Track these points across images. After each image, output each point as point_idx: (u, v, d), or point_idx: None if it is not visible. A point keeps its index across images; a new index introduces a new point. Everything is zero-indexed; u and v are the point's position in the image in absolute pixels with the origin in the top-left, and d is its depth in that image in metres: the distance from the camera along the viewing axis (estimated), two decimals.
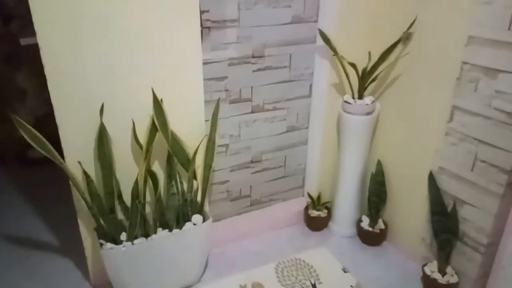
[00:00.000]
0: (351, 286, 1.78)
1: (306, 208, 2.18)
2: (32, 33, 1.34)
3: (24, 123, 1.33)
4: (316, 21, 1.87)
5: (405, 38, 1.71)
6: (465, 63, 1.50)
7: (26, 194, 2.47)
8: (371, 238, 2.05)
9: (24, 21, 2.52)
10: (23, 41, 2.09)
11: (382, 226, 2.04)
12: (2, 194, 2.46)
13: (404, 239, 1.97)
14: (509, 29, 1.34)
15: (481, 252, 1.61)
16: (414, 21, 1.66)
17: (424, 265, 1.76)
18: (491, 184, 1.51)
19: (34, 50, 1.35)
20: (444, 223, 1.67)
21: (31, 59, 2.61)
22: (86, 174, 1.50)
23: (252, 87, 1.88)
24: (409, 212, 1.91)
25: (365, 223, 2.06)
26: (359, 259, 1.98)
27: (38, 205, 2.36)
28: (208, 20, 1.66)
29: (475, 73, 1.47)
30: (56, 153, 1.40)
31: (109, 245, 1.54)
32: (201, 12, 1.62)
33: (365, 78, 1.80)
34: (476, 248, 1.62)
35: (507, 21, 1.34)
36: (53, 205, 2.35)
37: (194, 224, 1.70)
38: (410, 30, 1.69)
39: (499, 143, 1.45)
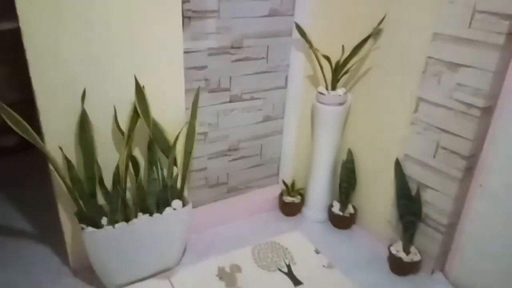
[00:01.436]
0: (323, 265, 1.89)
1: (281, 195, 2.27)
2: (2, 19, 1.34)
3: (8, 108, 1.34)
4: (292, 15, 1.95)
5: (376, 33, 1.82)
6: (430, 57, 1.62)
7: (0, 182, 2.43)
8: (342, 222, 2.17)
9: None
10: None
11: (352, 211, 2.17)
12: None
13: (372, 222, 2.10)
14: (469, 26, 1.47)
15: (442, 232, 1.75)
16: (384, 17, 1.77)
17: (390, 245, 1.90)
18: (451, 170, 1.65)
19: (3, 37, 1.34)
20: (409, 206, 1.81)
21: (1, 45, 2.55)
22: (67, 159, 1.51)
23: (230, 77, 1.94)
24: (377, 197, 2.04)
25: (336, 208, 2.18)
26: (331, 241, 2.09)
27: (13, 193, 2.33)
28: (189, 10, 1.70)
29: (439, 67, 1.60)
30: (37, 138, 1.41)
31: (90, 229, 1.57)
32: (182, 1, 1.65)
33: (338, 70, 1.90)
34: (437, 229, 1.77)
35: (468, 19, 1.47)
36: (27, 192, 2.33)
37: (174, 209, 1.75)
38: (380, 26, 1.79)
39: (459, 131, 1.58)
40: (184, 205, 1.77)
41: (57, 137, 1.52)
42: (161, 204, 1.74)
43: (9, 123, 1.34)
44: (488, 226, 1.63)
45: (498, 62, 1.41)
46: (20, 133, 1.37)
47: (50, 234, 1.97)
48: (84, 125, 1.53)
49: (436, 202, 1.74)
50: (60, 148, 1.53)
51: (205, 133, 1.99)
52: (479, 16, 1.43)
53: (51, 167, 1.52)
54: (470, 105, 1.52)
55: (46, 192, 1.68)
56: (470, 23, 1.46)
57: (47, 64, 1.41)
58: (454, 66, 1.54)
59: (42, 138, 1.48)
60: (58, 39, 1.40)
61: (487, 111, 1.51)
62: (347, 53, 1.88)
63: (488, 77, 1.44)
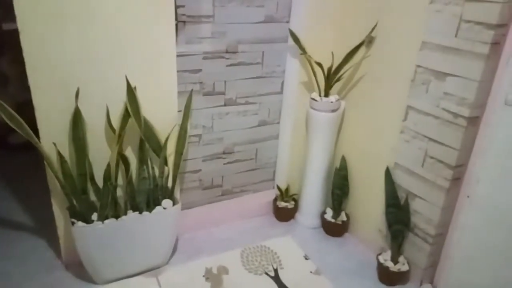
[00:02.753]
0: (311, 271, 1.89)
1: (275, 200, 2.28)
2: (14, 19, 1.42)
3: (3, 103, 1.41)
4: (288, 22, 1.98)
5: (368, 41, 1.84)
6: (418, 66, 1.63)
7: (4, 177, 2.52)
8: (334, 229, 2.17)
9: (7, 8, 2.57)
10: (6, 26, 2.15)
11: (344, 218, 2.16)
12: None
13: (364, 231, 2.10)
14: (456, 36, 1.47)
15: (430, 242, 1.73)
16: (375, 26, 1.79)
17: (379, 254, 1.89)
18: (439, 179, 1.64)
19: (17, 36, 1.42)
20: (397, 215, 1.80)
21: (14, 45, 2.66)
22: (60, 155, 1.58)
23: (225, 81, 1.98)
24: (369, 205, 2.04)
25: (329, 215, 2.18)
26: (321, 248, 2.09)
27: (16, 189, 2.42)
28: (183, 14, 1.75)
29: (427, 75, 1.60)
30: (32, 133, 1.48)
31: (80, 223, 1.62)
32: (177, 6, 1.71)
33: (331, 77, 1.91)
34: (425, 239, 1.75)
35: (454, 28, 1.47)
36: (29, 188, 2.41)
37: (164, 208, 1.78)
38: (372, 34, 1.81)
39: (446, 140, 1.58)
40: (174, 204, 1.81)
41: (52, 134, 1.59)
42: (152, 203, 1.78)
43: (4, 117, 1.41)
44: (476, 238, 1.60)
45: (483, 71, 1.41)
46: (14, 127, 1.44)
47: (46, 229, 2.04)
48: (77, 123, 1.59)
49: (424, 211, 1.73)
50: (54, 144, 1.59)
51: (199, 135, 2.03)
52: (465, 25, 1.43)
53: (45, 163, 1.58)
54: (456, 115, 1.52)
55: (44, 188, 1.75)
56: (457, 33, 1.46)
57: (43, 64, 1.48)
58: (441, 75, 1.54)
59: (37, 134, 1.55)
60: (54, 39, 1.47)
61: (474, 121, 1.51)
62: (339, 61, 1.90)
63: (473, 86, 1.44)
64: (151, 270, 1.85)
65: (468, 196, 1.60)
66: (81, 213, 1.66)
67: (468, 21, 1.42)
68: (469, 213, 1.61)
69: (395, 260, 1.83)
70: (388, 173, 1.83)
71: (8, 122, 1.44)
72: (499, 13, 1.34)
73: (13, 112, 1.44)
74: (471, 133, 1.53)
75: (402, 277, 1.82)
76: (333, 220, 2.15)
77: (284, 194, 2.26)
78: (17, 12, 1.39)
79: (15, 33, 1.71)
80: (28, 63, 1.46)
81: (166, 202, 1.80)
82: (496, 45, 1.39)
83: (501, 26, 1.36)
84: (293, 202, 2.28)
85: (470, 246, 1.63)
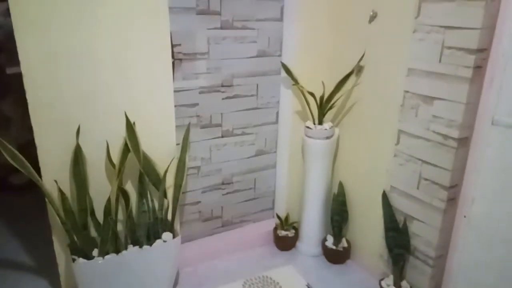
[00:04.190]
0: None
1: (275, 229, 2.29)
2: (18, 62, 1.49)
3: (5, 143, 1.45)
4: (280, 55, 2.07)
5: (357, 70, 1.91)
6: (406, 91, 1.69)
7: (5, 217, 2.53)
8: (335, 257, 2.16)
9: (11, 54, 2.68)
10: (9, 70, 2.23)
11: (345, 245, 2.16)
12: None
13: (365, 256, 2.09)
14: (440, 61, 1.54)
15: (431, 265, 1.73)
16: (363, 55, 1.87)
17: (381, 279, 1.88)
18: (434, 200, 1.66)
19: (19, 80, 1.48)
20: (397, 239, 1.80)
21: (17, 88, 2.75)
22: (61, 192, 1.60)
23: (222, 113, 2.04)
24: (368, 230, 2.04)
25: (330, 242, 2.18)
26: (324, 276, 2.08)
27: (16, 229, 2.42)
28: (180, 52, 1.83)
29: (415, 100, 1.66)
30: (33, 172, 1.51)
31: (81, 260, 1.63)
32: (174, 45, 1.80)
33: (323, 105, 1.98)
34: (426, 262, 1.75)
35: (437, 54, 1.54)
36: (31, 228, 2.42)
37: (164, 241, 1.79)
38: (361, 63, 1.89)
39: (438, 162, 1.61)
40: (174, 237, 1.81)
41: (53, 171, 1.62)
42: (152, 236, 1.79)
43: (6, 157, 1.45)
44: (476, 258, 1.61)
45: (468, 94, 1.47)
46: (17, 166, 1.48)
47: (47, 268, 2.03)
48: (78, 159, 1.63)
49: (423, 234, 1.74)
50: (55, 181, 1.62)
51: (198, 167, 2.07)
52: (448, 51, 1.50)
53: (47, 200, 1.61)
54: (446, 136, 1.56)
55: (45, 226, 1.77)
56: (440, 58, 1.53)
57: (45, 104, 1.54)
58: (429, 99, 1.60)
59: (39, 173, 1.58)
60: (56, 81, 1.53)
61: (464, 142, 1.55)
62: (330, 89, 1.96)
63: (460, 108, 1.49)
64: None
65: (464, 216, 1.61)
66: (82, 249, 1.66)
67: (450, 47, 1.49)
68: (467, 233, 1.62)
69: (397, 285, 1.82)
70: (385, 197, 1.85)
71: (11, 161, 1.48)
72: (479, 39, 1.41)
73: (15, 151, 1.48)
74: (462, 153, 1.57)
75: None
76: (334, 247, 2.15)
77: (284, 222, 2.27)
78: (20, 57, 1.46)
79: (18, 77, 1.79)
80: (30, 104, 1.52)
81: (166, 235, 1.81)
82: (479, 68, 1.45)
83: (482, 51, 1.43)
84: (293, 231, 2.28)
85: (471, 267, 1.63)
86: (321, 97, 1.96)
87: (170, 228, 1.84)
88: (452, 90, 1.51)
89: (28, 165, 1.50)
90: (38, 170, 1.57)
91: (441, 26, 1.51)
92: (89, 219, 1.68)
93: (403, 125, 1.73)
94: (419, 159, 1.69)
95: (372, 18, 1.81)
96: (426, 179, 1.67)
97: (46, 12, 1.45)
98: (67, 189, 1.65)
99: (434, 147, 1.62)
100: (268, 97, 2.13)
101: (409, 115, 1.69)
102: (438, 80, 1.55)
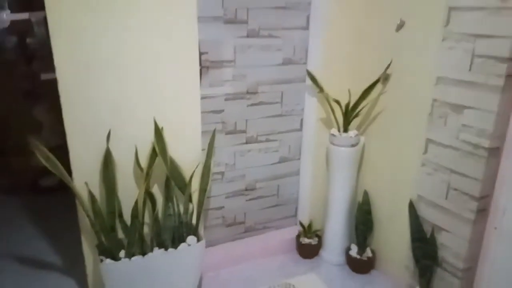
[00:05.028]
0: None
1: (298, 236, 2.28)
2: (51, 69, 1.55)
3: (40, 145, 1.51)
4: (305, 63, 2.08)
5: (384, 78, 1.90)
6: (435, 100, 1.67)
7: (36, 219, 2.62)
8: (359, 266, 2.13)
9: (45, 61, 2.79)
10: (44, 76, 2.32)
11: (370, 254, 2.13)
12: (15, 218, 2.62)
13: (390, 267, 2.05)
14: (469, 70, 1.52)
15: (459, 277, 1.69)
16: (390, 63, 1.85)
17: None
18: (464, 211, 1.62)
19: (52, 86, 1.54)
20: (424, 249, 1.77)
21: (49, 94, 2.86)
22: (91, 194, 1.65)
23: (246, 120, 2.06)
24: (394, 240, 2.01)
25: (354, 251, 2.15)
26: (348, 286, 2.05)
27: (47, 229, 2.50)
28: (207, 60, 1.87)
29: (444, 109, 1.63)
30: (65, 173, 1.57)
31: (108, 260, 1.67)
32: (201, 53, 1.83)
33: (349, 113, 1.97)
34: (454, 273, 1.70)
35: (468, 63, 1.52)
36: (60, 229, 2.49)
37: (189, 245, 1.81)
38: (388, 72, 1.87)
39: (468, 172, 1.58)
40: (198, 241, 1.83)
41: (84, 174, 1.68)
42: (177, 240, 1.81)
43: (40, 158, 1.51)
44: (507, 271, 1.56)
45: (499, 103, 1.43)
46: (50, 168, 1.54)
47: (74, 268, 2.08)
48: (107, 163, 1.67)
49: (451, 245, 1.70)
50: (86, 184, 1.67)
51: (222, 173, 2.09)
52: (478, 60, 1.48)
53: (77, 202, 1.66)
54: (476, 146, 1.53)
55: (74, 227, 1.82)
56: (471, 67, 1.51)
57: (77, 109, 1.60)
58: (459, 107, 1.57)
59: (71, 175, 1.64)
60: (89, 87, 1.59)
61: (495, 152, 1.51)
62: (356, 97, 1.96)
63: (491, 118, 1.46)
64: None
65: (495, 228, 1.57)
66: (109, 250, 1.70)
67: (481, 56, 1.47)
68: (498, 245, 1.58)
69: None
70: (412, 207, 1.82)
71: (44, 163, 1.53)
72: (511, 48, 1.38)
73: (49, 153, 1.54)
74: (493, 163, 1.53)
75: None
76: (358, 257, 2.12)
77: (307, 230, 2.26)
78: (56, 63, 1.52)
79: (50, 83, 1.86)
80: (64, 109, 1.58)
81: (191, 239, 1.83)
82: (511, 77, 1.42)
83: None
84: (316, 238, 2.27)
85: (502, 280, 1.58)
86: (347, 105, 1.96)
87: (195, 232, 1.86)
88: (483, 99, 1.48)
89: (61, 167, 1.56)
90: (68, 173, 1.62)
91: (472, 35, 1.49)
92: (117, 221, 1.72)
93: (431, 134, 1.70)
94: (448, 169, 1.65)
95: (400, 26, 1.80)
96: (455, 189, 1.64)
97: (80, 22, 1.51)
98: (96, 192, 1.70)
99: (464, 156, 1.58)
100: (293, 105, 2.14)
101: (438, 124, 1.67)
102: (468, 88, 1.53)
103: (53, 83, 1.56)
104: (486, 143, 1.49)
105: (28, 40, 2.76)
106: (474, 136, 1.53)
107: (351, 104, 1.96)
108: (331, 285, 2.03)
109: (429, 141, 1.72)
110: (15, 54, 2.78)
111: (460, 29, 1.53)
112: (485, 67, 1.46)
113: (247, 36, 1.92)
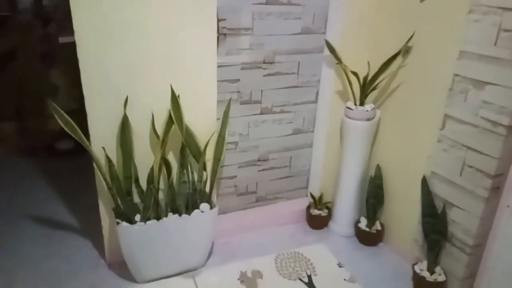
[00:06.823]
0: (345, 279, 1.90)
1: (308, 207, 2.31)
2: (69, 33, 1.54)
3: (59, 109, 1.53)
4: (324, 33, 2.04)
5: (404, 51, 1.86)
6: (456, 75, 1.63)
7: (52, 181, 2.69)
8: (368, 238, 2.17)
9: (60, 24, 2.78)
10: (61, 39, 2.32)
11: (379, 227, 2.16)
12: (31, 180, 2.69)
13: (399, 240, 2.08)
14: (495, 44, 1.47)
15: (467, 253, 1.71)
16: (412, 35, 1.81)
17: (414, 264, 1.87)
18: (478, 188, 1.62)
19: (68, 49, 1.54)
20: (434, 225, 1.78)
21: (65, 58, 2.86)
22: (108, 159, 1.68)
23: (262, 90, 2.04)
24: (404, 214, 2.03)
25: (363, 224, 2.18)
26: (355, 256, 2.09)
27: (63, 191, 2.57)
28: (224, 27, 1.84)
29: (465, 84, 1.60)
30: (84, 137, 1.59)
31: (124, 223, 1.72)
32: (219, 20, 1.80)
33: (366, 86, 1.94)
34: (462, 249, 1.73)
35: (493, 37, 1.47)
36: (76, 191, 2.56)
37: (202, 212, 1.86)
38: (409, 44, 1.83)
39: (485, 149, 1.57)
40: (211, 208, 1.87)
41: (101, 139, 1.70)
42: (190, 206, 1.86)
43: (60, 122, 1.53)
44: None
45: None
46: (69, 132, 1.56)
47: (91, 230, 2.16)
48: (125, 129, 1.69)
49: (462, 221, 1.71)
50: (103, 148, 1.70)
51: (235, 143, 2.10)
52: (505, 34, 1.43)
53: (94, 165, 1.70)
54: (495, 123, 1.51)
55: (91, 191, 1.87)
56: (496, 42, 1.46)
57: (96, 74, 1.60)
58: (480, 83, 1.54)
59: (89, 139, 1.67)
60: (107, 51, 1.59)
61: None
62: (375, 70, 1.92)
63: None
64: (188, 272, 1.92)
65: (508, 206, 1.57)
66: (125, 214, 1.75)
67: (508, 30, 1.42)
68: (509, 223, 1.58)
69: (431, 270, 1.81)
70: (424, 182, 1.82)
71: (64, 126, 1.56)
72: None
73: (68, 117, 1.56)
74: (510, 141, 1.51)
75: (439, 287, 1.80)
76: (367, 229, 2.15)
77: (318, 202, 2.29)
78: (75, 27, 1.52)
79: (67, 46, 1.86)
80: (83, 74, 1.58)
81: (204, 206, 1.87)
82: None
83: None
84: (326, 210, 2.30)
85: (510, 257, 1.60)
86: (365, 78, 1.92)
87: (208, 199, 1.90)
88: (506, 76, 1.44)
89: (79, 131, 1.58)
90: (85, 136, 1.64)
91: (500, 8, 1.44)
92: (133, 186, 1.76)
93: (450, 109, 1.68)
94: (465, 146, 1.64)
95: None
96: (470, 166, 1.63)
97: None
98: (113, 156, 1.73)
99: (482, 133, 1.57)
100: (309, 76, 2.11)
101: (458, 99, 1.64)
102: (492, 64, 1.49)
103: (70, 46, 1.56)
104: (505, 120, 1.47)
105: (44, 1, 2.74)
106: (494, 113, 1.51)
107: (369, 77, 1.93)
108: (339, 256, 2.07)
109: (447, 117, 1.70)
110: (32, 16, 2.77)
111: (487, 1, 1.48)
112: (511, 42, 1.41)
113: (266, 3, 1.88)
